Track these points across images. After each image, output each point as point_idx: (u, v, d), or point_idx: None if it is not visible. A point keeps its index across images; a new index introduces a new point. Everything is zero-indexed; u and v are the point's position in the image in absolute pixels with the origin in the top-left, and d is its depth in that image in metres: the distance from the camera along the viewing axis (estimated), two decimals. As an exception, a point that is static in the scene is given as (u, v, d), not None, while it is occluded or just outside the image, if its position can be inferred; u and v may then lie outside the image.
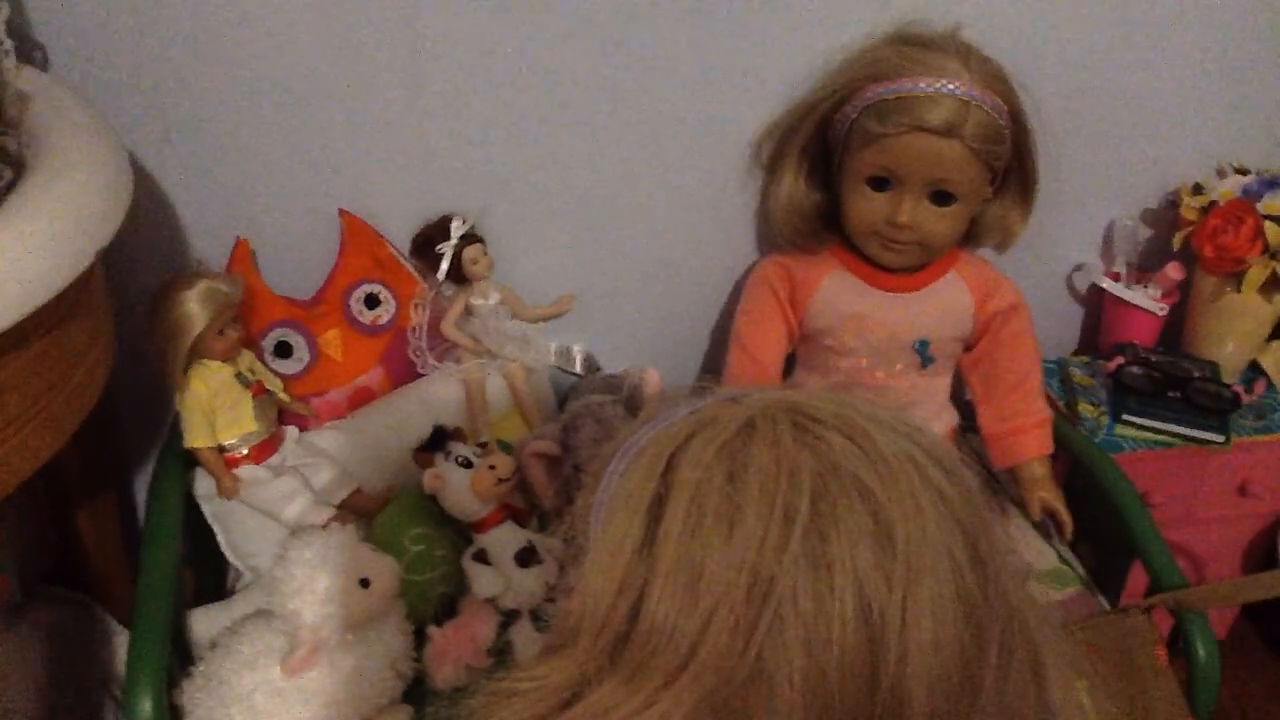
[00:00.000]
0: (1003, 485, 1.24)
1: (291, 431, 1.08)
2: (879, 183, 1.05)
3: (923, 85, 1.00)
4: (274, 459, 1.05)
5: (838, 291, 1.13)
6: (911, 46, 1.03)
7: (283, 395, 1.08)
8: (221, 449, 1.03)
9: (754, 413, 0.48)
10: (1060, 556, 1.14)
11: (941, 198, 1.04)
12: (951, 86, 0.99)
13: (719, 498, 0.45)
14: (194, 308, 0.97)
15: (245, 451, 1.03)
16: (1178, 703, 0.97)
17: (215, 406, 1.01)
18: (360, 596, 0.90)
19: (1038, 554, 1.14)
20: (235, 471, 1.03)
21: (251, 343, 1.08)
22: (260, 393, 1.04)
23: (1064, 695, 0.50)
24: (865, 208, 1.07)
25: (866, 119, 1.03)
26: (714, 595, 0.44)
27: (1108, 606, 1.09)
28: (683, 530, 0.45)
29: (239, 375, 1.02)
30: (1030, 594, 0.49)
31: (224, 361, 1.02)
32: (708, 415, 0.49)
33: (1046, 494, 1.12)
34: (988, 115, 1.00)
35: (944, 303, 1.12)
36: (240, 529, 1.06)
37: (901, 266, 1.10)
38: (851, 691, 0.43)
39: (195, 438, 1.01)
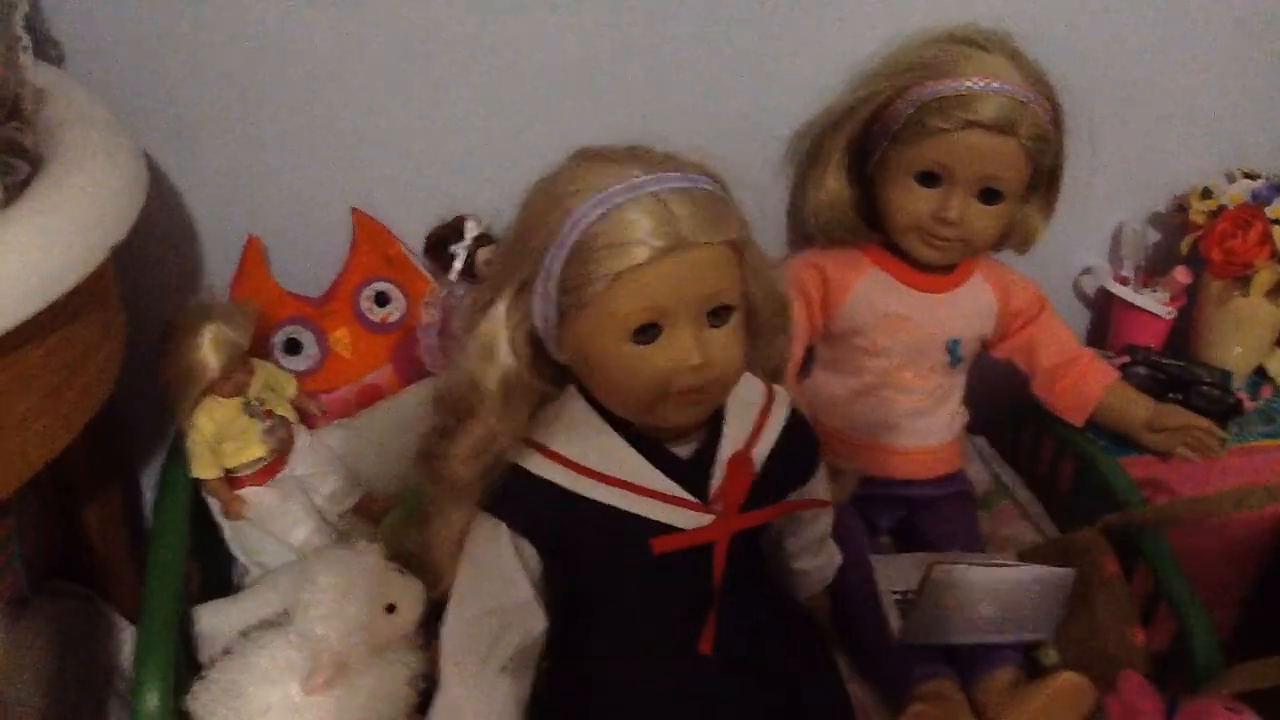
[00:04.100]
0: (1009, 489, 1.24)
1: (302, 437, 1.08)
2: (929, 178, 1.05)
3: (978, 83, 1.00)
4: (282, 472, 1.05)
5: (873, 291, 1.12)
6: (963, 45, 1.04)
7: (293, 392, 1.08)
8: (228, 470, 1.02)
9: None
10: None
11: (990, 195, 1.05)
12: (1006, 86, 1.00)
13: None
14: (206, 356, 0.95)
15: (251, 473, 1.03)
16: (1126, 610, 0.97)
17: (221, 438, 1.00)
18: (386, 622, 0.89)
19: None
20: (240, 493, 1.03)
21: (263, 341, 1.08)
22: (271, 417, 1.03)
23: None
24: (911, 203, 1.06)
25: (923, 114, 1.03)
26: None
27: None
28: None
29: (247, 404, 1.01)
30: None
31: (232, 396, 1.00)
32: None
33: (1165, 416, 1.17)
34: (1039, 116, 1.01)
35: (975, 303, 1.13)
36: (247, 526, 1.06)
37: (941, 264, 1.10)
38: None
39: (200, 469, 1.00)
